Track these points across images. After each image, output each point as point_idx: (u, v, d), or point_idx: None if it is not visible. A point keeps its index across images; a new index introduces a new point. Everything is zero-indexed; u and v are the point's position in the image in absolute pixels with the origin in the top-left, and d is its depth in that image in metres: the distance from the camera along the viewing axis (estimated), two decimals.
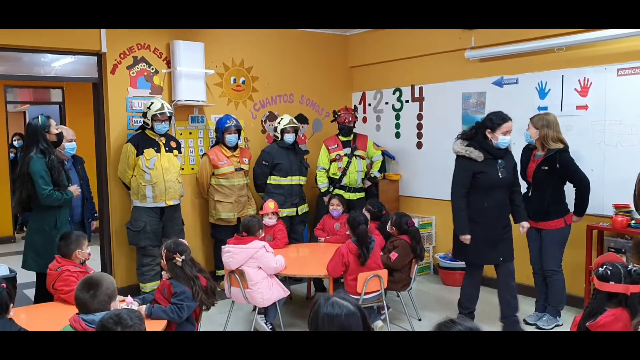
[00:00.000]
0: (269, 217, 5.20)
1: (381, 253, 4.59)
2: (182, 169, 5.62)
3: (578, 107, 4.98)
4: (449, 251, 5.99)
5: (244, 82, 6.27)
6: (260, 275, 4.25)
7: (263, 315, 4.48)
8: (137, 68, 5.56)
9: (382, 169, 6.41)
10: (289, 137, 5.84)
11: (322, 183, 6.12)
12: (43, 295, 4.33)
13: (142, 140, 5.24)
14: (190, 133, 5.93)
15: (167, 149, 5.30)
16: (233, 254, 4.27)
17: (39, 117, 4.26)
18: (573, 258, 4.79)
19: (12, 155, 8.42)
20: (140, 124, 5.33)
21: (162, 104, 5.20)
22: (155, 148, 5.23)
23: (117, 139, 5.47)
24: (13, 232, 8.47)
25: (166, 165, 5.24)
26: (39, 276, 4.38)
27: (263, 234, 4.51)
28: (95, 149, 5.65)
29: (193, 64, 5.67)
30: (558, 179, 4.38)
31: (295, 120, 5.92)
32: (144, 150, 5.19)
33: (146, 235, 5.25)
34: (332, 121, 6.26)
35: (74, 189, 4.42)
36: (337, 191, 6.07)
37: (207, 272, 3.58)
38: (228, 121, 5.69)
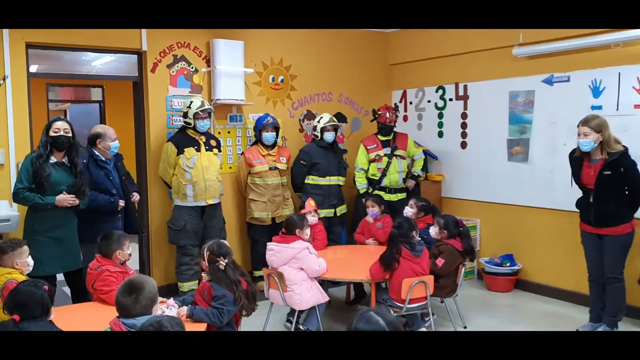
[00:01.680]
0: (312, 215, 5.09)
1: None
2: (222, 167, 5.55)
3: (636, 106, 4.71)
4: (494, 255, 5.79)
5: (282, 80, 6.17)
6: (300, 277, 4.14)
7: (296, 320, 4.37)
8: (177, 67, 5.51)
9: (424, 169, 6.23)
10: (329, 136, 5.72)
11: (361, 184, 5.98)
12: (78, 293, 4.32)
13: (182, 139, 5.20)
14: (228, 132, 5.87)
15: (207, 147, 5.24)
16: (275, 252, 4.18)
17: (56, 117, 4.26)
18: (633, 266, 4.52)
19: None
20: (181, 124, 5.29)
21: (202, 102, 5.15)
22: (196, 147, 5.18)
23: (157, 137, 5.43)
24: None
25: (206, 164, 5.18)
26: (68, 275, 4.37)
27: (309, 233, 4.38)
28: (135, 147, 5.63)
29: (232, 62, 5.60)
30: (621, 182, 4.13)
31: (335, 119, 5.79)
32: (185, 149, 5.14)
33: (186, 234, 5.20)
34: (371, 120, 6.11)
35: (62, 198, 4.16)
36: (376, 192, 5.92)
37: (249, 276, 3.48)
38: (267, 118, 5.61)
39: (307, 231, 4.31)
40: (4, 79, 4.66)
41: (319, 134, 5.75)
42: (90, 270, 3.70)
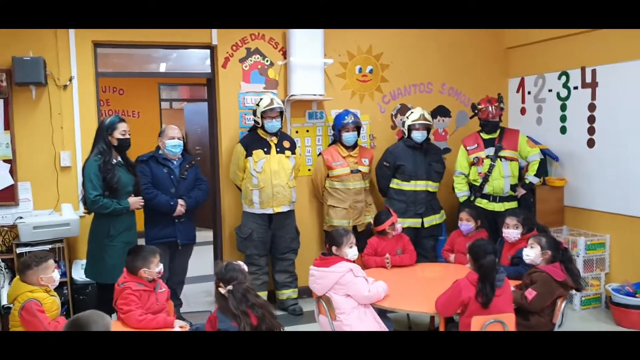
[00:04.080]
0: (397, 222, 4.42)
1: (513, 289, 3.54)
2: (299, 170, 5.06)
3: None
4: (626, 282, 4.62)
5: (371, 71, 5.48)
6: (350, 305, 3.47)
7: None
8: (251, 61, 5.10)
9: (542, 173, 5.13)
10: (418, 136, 4.94)
11: (460, 191, 5.10)
12: (102, 307, 4.08)
13: (252, 140, 4.79)
14: (307, 131, 5.33)
15: (278, 149, 4.78)
16: (316, 278, 3.56)
17: (111, 117, 4.00)
18: None
19: None
20: (252, 123, 4.88)
21: (272, 99, 4.69)
22: (265, 149, 4.74)
23: (229, 138, 5.07)
24: None
25: (275, 168, 4.71)
26: (96, 286, 4.17)
27: (351, 254, 3.67)
28: (210, 148, 5.34)
29: (310, 53, 5.05)
30: None
31: (427, 115, 4.98)
32: (253, 152, 4.73)
33: (252, 244, 4.80)
34: (471, 117, 5.20)
35: (134, 201, 4.05)
36: (478, 201, 5.01)
37: (265, 308, 2.90)
38: (346, 117, 4.99)
39: (348, 250, 3.61)
40: (70, 80, 4.59)
41: (406, 132, 5.00)
42: (116, 286, 3.40)
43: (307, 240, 5.22)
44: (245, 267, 3.01)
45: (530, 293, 3.42)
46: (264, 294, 4.92)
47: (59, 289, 4.42)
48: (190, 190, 4.53)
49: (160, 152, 4.47)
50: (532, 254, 3.61)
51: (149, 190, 4.33)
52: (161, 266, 3.42)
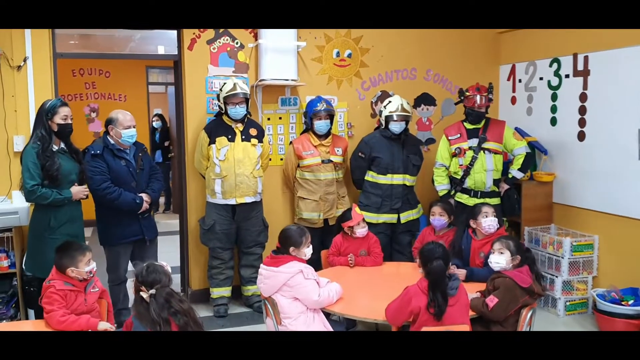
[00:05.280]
0: (361, 226, 4.10)
1: (477, 295, 3.24)
2: (268, 159, 4.78)
3: None
4: (612, 287, 4.29)
5: (349, 55, 5.16)
6: (297, 309, 3.19)
7: None
8: (219, 43, 4.81)
9: (527, 167, 4.75)
10: (396, 127, 4.62)
11: (440, 184, 4.77)
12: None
13: (216, 127, 4.52)
14: (280, 118, 5.04)
15: (243, 137, 4.50)
16: (264, 277, 3.29)
17: (52, 100, 3.74)
18: None
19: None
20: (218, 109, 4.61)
21: (235, 84, 4.40)
22: (230, 136, 4.47)
23: (196, 124, 4.79)
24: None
25: (239, 157, 4.44)
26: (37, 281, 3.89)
27: (308, 253, 3.39)
28: (176, 136, 5.08)
29: (283, 35, 4.75)
30: None
31: (406, 106, 4.65)
32: (216, 139, 4.46)
33: (215, 236, 4.55)
34: (456, 103, 4.86)
35: (77, 190, 3.80)
36: (458, 196, 4.69)
37: (189, 315, 2.63)
38: (318, 104, 4.69)
39: (306, 250, 3.34)
40: (24, 61, 4.35)
41: (384, 123, 4.69)
42: (44, 283, 3.16)
43: (278, 233, 4.93)
44: (169, 269, 2.75)
45: (491, 300, 3.12)
46: (228, 289, 4.70)
47: (7, 280, 4.29)
48: (147, 181, 4.27)
49: (113, 142, 4.11)
50: (502, 260, 3.28)
51: (112, 189, 4.01)
52: (93, 265, 3.15)
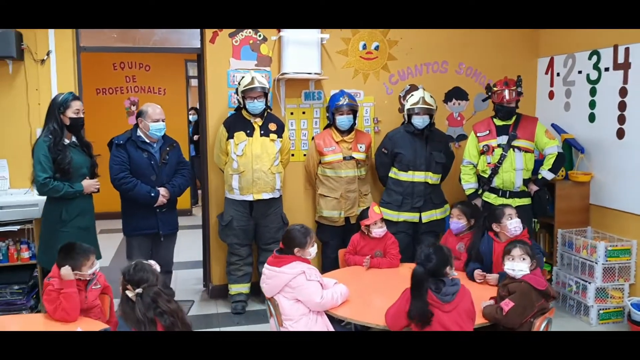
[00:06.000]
0: (378, 226, 3.95)
1: (490, 303, 3.05)
2: (289, 155, 4.69)
3: None
4: None
5: (377, 47, 4.99)
6: (299, 311, 3.08)
7: None
8: (241, 35, 4.73)
9: (559, 168, 4.42)
10: (418, 121, 4.44)
11: (468, 183, 4.56)
12: None
13: (235, 121, 4.46)
14: (303, 112, 4.93)
15: (262, 132, 4.41)
16: (266, 277, 3.20)
17: (64, 94, 3.74)
18: None
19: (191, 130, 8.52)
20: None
21: (253, 78, 4.32)
22: (248, 131, 4.39)
23: (217, 118, 4.74)
24: (190, 206, 8.60)
25: (257, 152, 4.36)
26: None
27: (313, 253, 3.27)
28: (200, 130, 5.05)
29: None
30: None
31: (429, 99, 4.46)
32: (235, 134, 4.39)
33: (232, 232, 4.50)
34: (484, 100, 4.62)
35: (89, 184, 3.80)
36: (486, 195, 4.47)
37: (177, 315, 2.57)
38: (340, 98, 4.55)
39: (311, 250, 3.22)
40: (48, 55, 4.40)
41: (406, 117, 4.51)
42: (45, 280, 3.17)
43: None
44: (158, 268, 2.69)
45: (507, 304, 2.92)
46: (246, 286, 4.64)
47: (28, 271, 4.35)
48: (172, 176, 4.25)
49: (139, 134, 4.15)
50: (525, 267, 3.05)
51: (128, 179, 4.04)
52: (96, 266, 3.14)
